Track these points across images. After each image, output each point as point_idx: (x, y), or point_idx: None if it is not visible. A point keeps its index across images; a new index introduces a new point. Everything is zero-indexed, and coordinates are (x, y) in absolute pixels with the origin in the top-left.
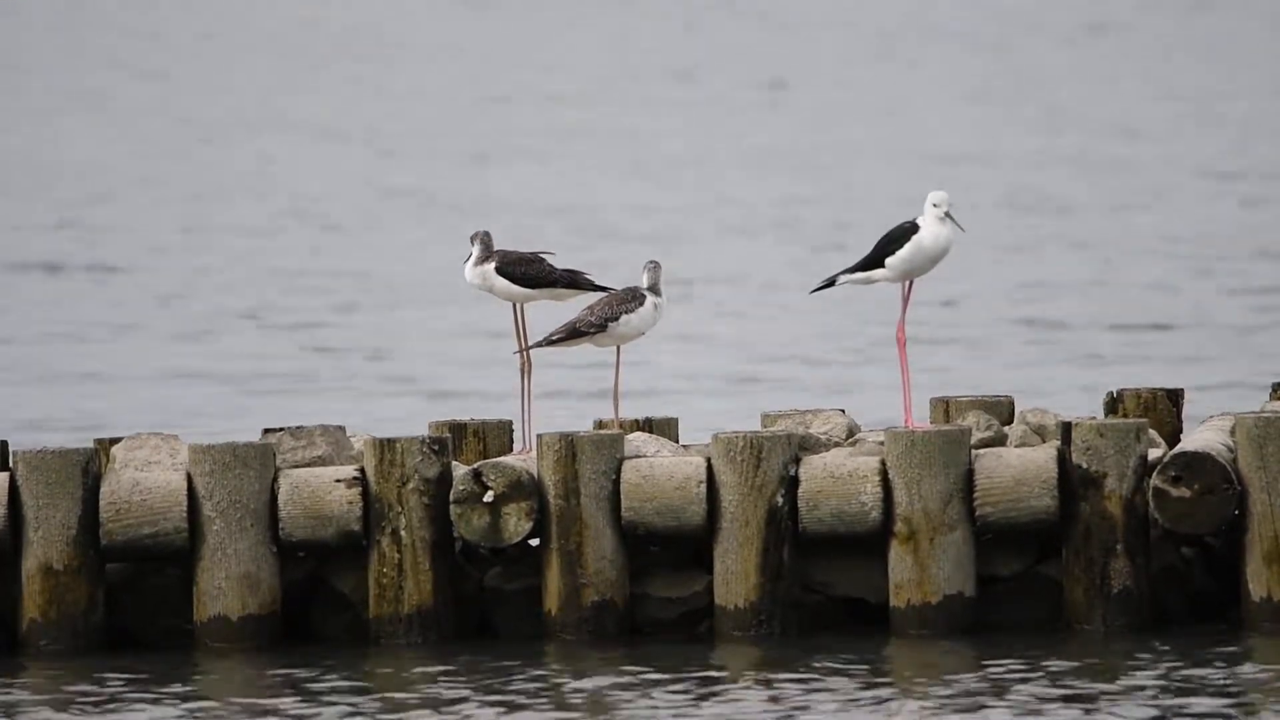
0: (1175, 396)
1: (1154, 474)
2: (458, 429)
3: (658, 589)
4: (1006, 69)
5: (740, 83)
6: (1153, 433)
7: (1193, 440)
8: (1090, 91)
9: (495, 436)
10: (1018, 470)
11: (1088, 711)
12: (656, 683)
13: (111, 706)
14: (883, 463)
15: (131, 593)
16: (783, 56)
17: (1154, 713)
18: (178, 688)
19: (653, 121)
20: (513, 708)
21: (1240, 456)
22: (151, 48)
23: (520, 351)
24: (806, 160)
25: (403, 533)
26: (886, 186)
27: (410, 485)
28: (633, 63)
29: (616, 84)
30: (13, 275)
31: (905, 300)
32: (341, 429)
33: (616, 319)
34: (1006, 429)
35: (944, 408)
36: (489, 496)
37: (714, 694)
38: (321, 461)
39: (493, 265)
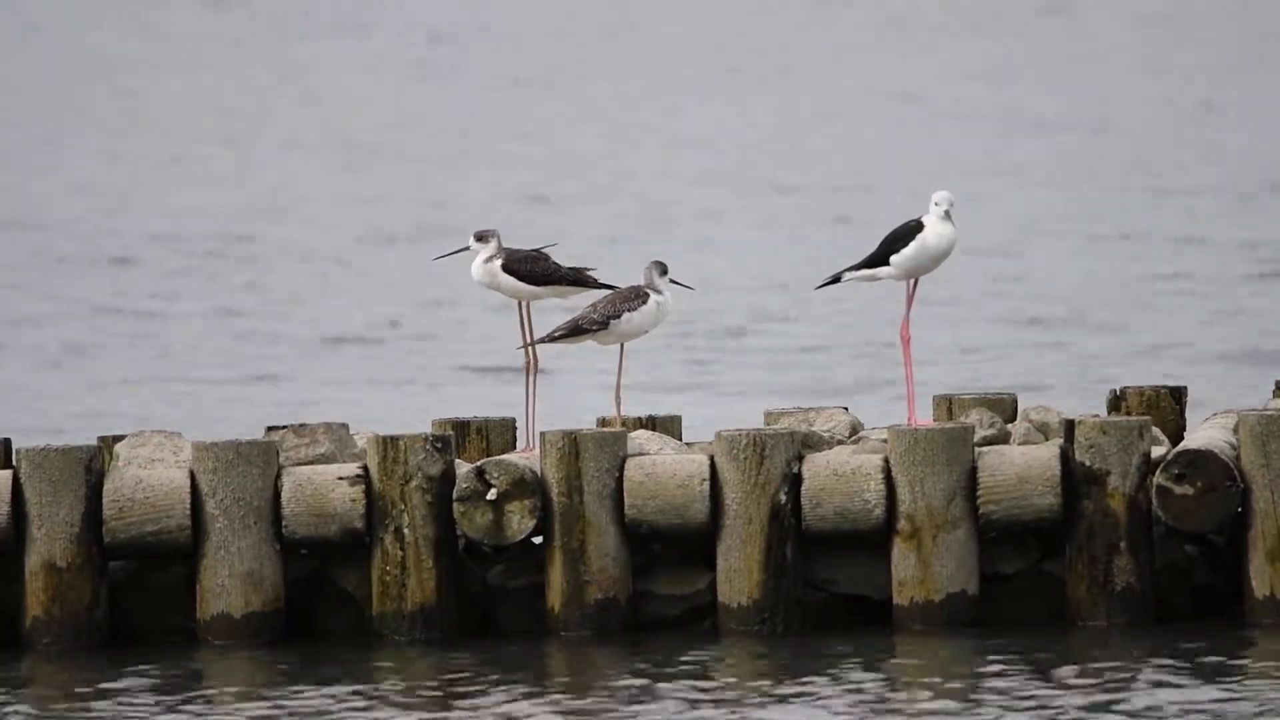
0: (1178, 394)
1: (1157, 471)
2: (461, 426)
3: (661, 586)
4: (1013, 54)
5: (748, 80)
6: (1156, 430)
7: (1196, 438)
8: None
9: (498, 434)
10: (1021, 468)
11: (1091, 709)
12: (659, 680)
13: (115, 704)
14: (886, 460)
15: (135, 590)
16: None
17: (1157, 710)
18: (181, 685)
19: (659, 116)
20: (515, 705)
21: (1243, 454)
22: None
23: (524, 348)
24: (812, 154)
25: (406, 530)
26: (895, 181)
27: (413, 483)
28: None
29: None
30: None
31: (909, 298)
32: (345, 426)
33: (619, 316)
34: (1009, 426)
35: (947, 405)
36: (492, 494)
37: (717, 691)
38: (325, 459)
39: (499, 262)
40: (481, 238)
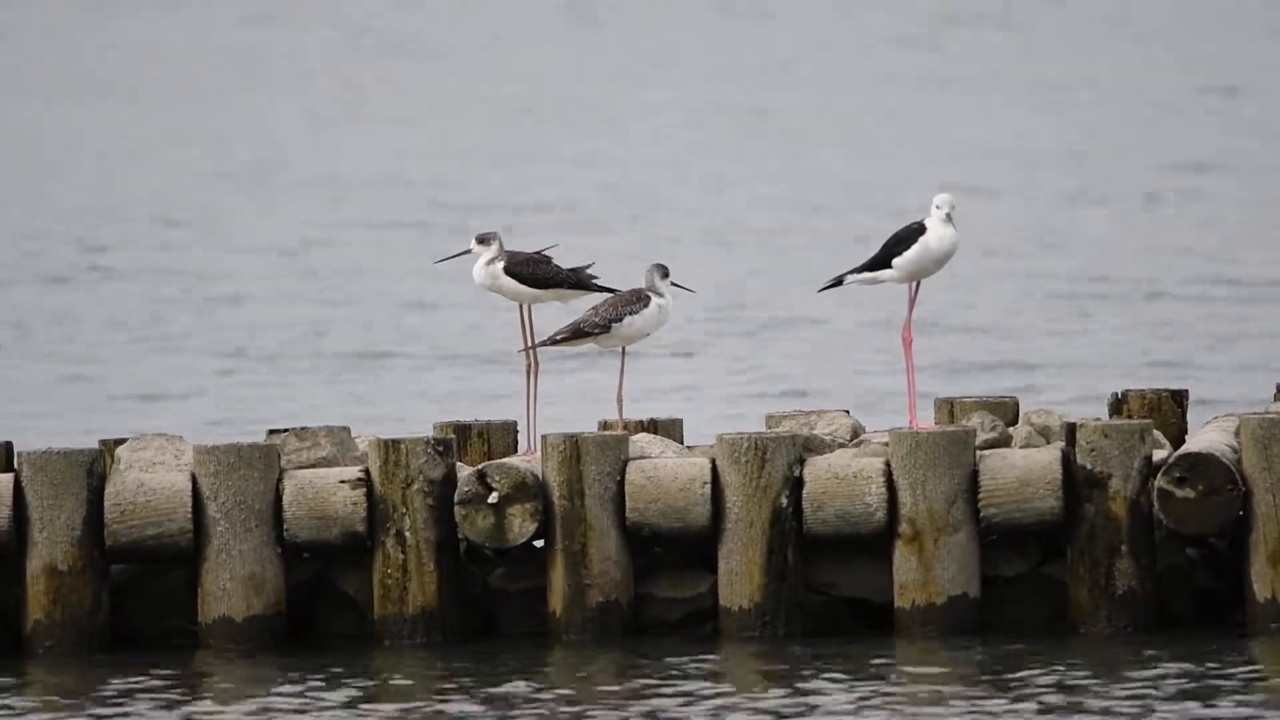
0: (1180, 397)
1: (1158, 475)
2: (462, 430)
3: (662, 590)
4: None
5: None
6: (1157, 434)
7: (1197, 441)
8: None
9: (500, 438)
10: (1022, 471)
11: (1092, 713)
12: (660, 683)
13: (116, 708)
14: (887, 464)
15: (136, 594)
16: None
17: (1158, 714)
18: (182, 688)
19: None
20: (516, 708)
21: (1244, 458)
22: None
23: (525, 350)
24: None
25: (407, 534)
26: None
27: (415, 486)
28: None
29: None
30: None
31: (911, 301)
32: (346, 430)
33: (620, 320)
34: (1011, 430)
35: (948, 408)
36: (494, 498)
37: (718, 695)
38: (326, 462)
39: (501, 265)
40: (483, 240)
